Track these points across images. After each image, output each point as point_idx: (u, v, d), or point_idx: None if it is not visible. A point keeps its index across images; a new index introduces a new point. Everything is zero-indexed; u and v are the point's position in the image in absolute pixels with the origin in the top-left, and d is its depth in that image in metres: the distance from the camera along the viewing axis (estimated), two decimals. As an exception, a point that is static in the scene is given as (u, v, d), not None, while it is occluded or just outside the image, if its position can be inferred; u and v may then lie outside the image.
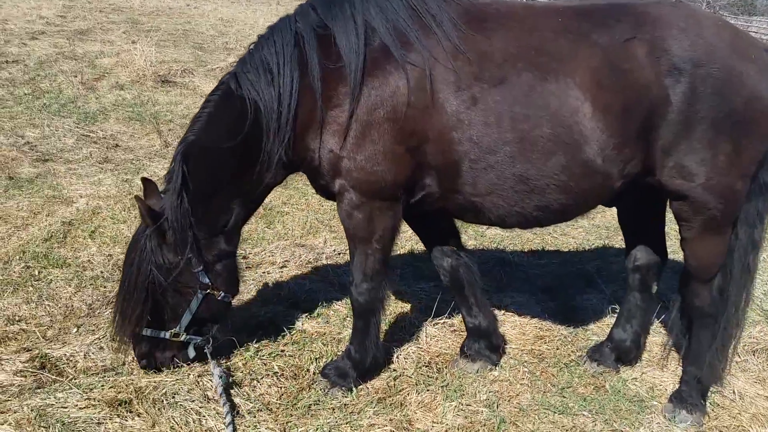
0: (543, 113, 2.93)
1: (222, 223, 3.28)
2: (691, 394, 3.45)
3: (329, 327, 3.98)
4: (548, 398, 3.49)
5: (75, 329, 3.69)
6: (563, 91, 2.93)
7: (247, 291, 4.35)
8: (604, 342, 3.91)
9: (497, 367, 3.72)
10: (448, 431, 3.16)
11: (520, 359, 3.84)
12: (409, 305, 4.33)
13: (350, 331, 3.52)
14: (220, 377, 3.21)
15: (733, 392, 3.69)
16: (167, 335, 3.29)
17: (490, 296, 4.35)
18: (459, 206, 3.25)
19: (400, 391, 3.43)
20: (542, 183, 3.04)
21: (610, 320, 4.30)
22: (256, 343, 3.72)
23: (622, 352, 3.84)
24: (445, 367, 3.68)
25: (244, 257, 4.80)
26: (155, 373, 3.34)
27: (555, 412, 3.38)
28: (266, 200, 5.67)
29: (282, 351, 3.68)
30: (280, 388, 3.39)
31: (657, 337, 4.17)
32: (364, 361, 3.42)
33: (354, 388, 3.40)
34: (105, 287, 4.18)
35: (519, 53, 3.00)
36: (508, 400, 3.45)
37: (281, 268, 4.74)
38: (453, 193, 3.17)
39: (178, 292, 3.26)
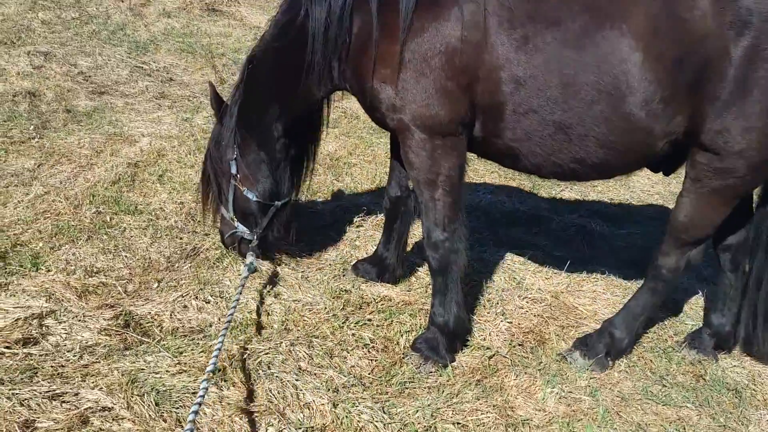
0: (591, 59, 2.80)
1: (258, 122, 3.39)
2: (596, 344, 3.40)
3: (414, 295, 3.80)
4: (649, 387, 3.32)
5: (156, 284, 3.55)
6: (616, 37, 2.77)
7: (324, 249, 4.19)
8: (703, 328, 3.70)
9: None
10: (552, 420, 3.01)
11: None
12: (491, 273, 4.13)
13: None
14: (248, 266, 3.47)
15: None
16: (226, 215, 3.62)
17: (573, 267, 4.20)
18: (497, 151, 3.16)
19: (496, 372, 3.27)
20: (580, 133, 2.91)
21: (702, 301, 4.10)
22: (342, 310, 3.56)
23: (722, 339, 3.65)
24: (539, 347, 3.51)
25: (315, 210, 4.63)
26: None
27: (658, 403, 3.22)
28: (331, 149, 5.63)
29: (369, 320, 3.52)
30: (372, 360, 3.25)
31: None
32: (448, 322, 3.27)
33: (449, 365, 3.25)
34: (181, 238, 4.02)
35: None
36: (609, 388, 3.28)
37: (357, 227, 4.54)
38: (493, 137, 3.07)
39: (221, 176, 3.57)
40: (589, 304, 3.95)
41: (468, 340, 3.45)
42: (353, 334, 3.38)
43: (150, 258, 3.79)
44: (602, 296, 4.04)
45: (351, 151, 5.79)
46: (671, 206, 3.51)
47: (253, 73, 3.33)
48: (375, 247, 4.06)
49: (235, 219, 3.60)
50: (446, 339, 3.27)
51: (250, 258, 3.53)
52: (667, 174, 3.44)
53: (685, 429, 3.08)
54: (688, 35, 2.74)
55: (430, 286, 3.41)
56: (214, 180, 3.63)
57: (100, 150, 4.97)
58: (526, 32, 2.85)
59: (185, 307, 3.40)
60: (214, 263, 3.84)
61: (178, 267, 3.74)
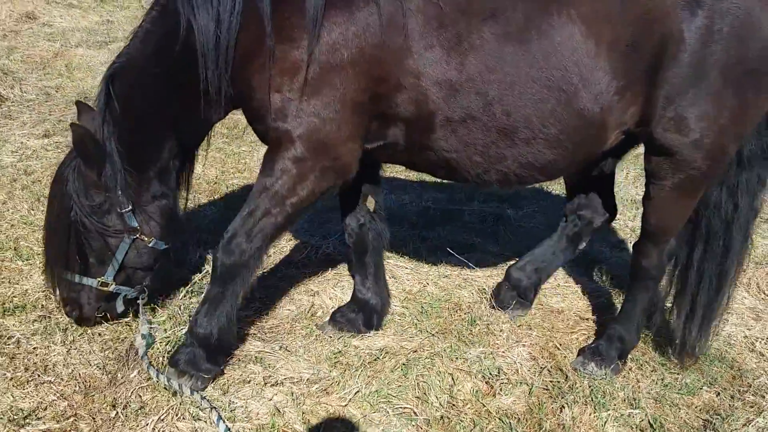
0: (537, 53, 2.56)
1: (154, 159, 2.89)
2: (608, 351, 3.28)
3: (413, 337, 3.35)
4: (663, 379, 3.34)
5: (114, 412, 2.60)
6: (564, 25, 2.56)
7: (275, 304, 3.49)
8: (502, 282, 3.68)
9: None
10: (623, 447, 2.87)
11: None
12: (458, 288, 3.82)
13: None
14: (144, 337, 2.97)
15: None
16: (94, 283, 2.94)
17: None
18: (429, 162, 2.89)
19: (546, 412, 3.00)
20: (527, 136, 2.70)
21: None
22: (353, 378, 2.99)
23: (521, 292, 3.61)
24: (556, 366, 3.32)
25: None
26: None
27: (682, 394, 3.24)
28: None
29: (389, 385, 3.00)
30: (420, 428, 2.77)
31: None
32: (211, 335, 2.84)
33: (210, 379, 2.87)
34: (101, 334, 3.02)
35: None
36: (640, 393, 3.22)
37: (300, 267, 3.87)
38: (423, 148, 2.79)
39: (105, 234, 2.91)
40: (563, 301, 3.86)
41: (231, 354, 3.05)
42: (384, 404, 2.85)
43: (80, 375, 2.77)
44: (570, 291, 3.98)
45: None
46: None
47: (130, 101, 2.75)
48: (337, 289, 3.50)
49: (114, 282, 2.97)
50: (207, 353, 2.84)
51: (144, 326, 3.00)
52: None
53: (716, 413, 3.15)
54: (642, 17, 2.59)
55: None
56: (83, 238, 2.91)
57: None
58: (458, 30, 2.54)
59: (175, 433, 2.55)
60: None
61: (124, 378, 2.79)
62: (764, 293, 4.17)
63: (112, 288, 2.98)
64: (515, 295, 3.60)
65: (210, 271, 3.08)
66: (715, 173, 2.95)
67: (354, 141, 2.69)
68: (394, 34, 2.51)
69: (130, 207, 2.88)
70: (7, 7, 8.46)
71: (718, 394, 3.28)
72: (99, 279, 2.94)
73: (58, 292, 3.00)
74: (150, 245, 2.98)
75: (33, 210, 3.99)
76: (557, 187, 5.48)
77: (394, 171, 5.36)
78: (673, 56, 2.61)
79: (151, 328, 3.08)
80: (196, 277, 3.61)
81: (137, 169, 2.85)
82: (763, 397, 3.27)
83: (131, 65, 2.72)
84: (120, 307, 3.08)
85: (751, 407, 3.14)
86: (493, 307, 3.60)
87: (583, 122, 2.68)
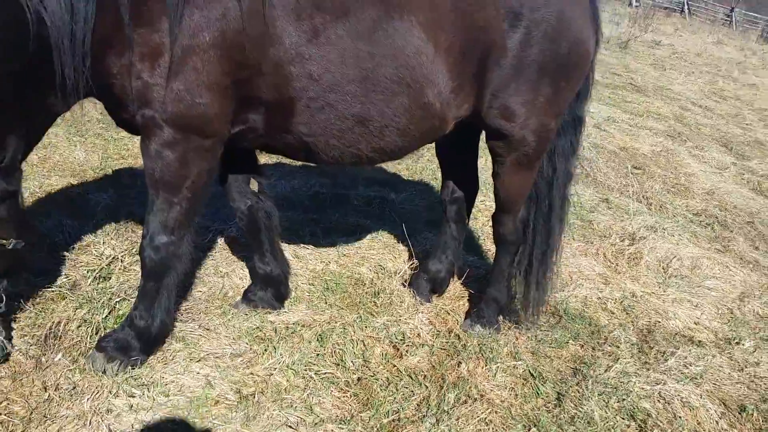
0: (387, 52, 2.81)
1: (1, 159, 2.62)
2: (488, 313, 3.77)
3: (320, 309, 3.62)
4: (537, 335, 3.90)
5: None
6: (408, 29, 2.81)
7: (189, 286, 3.60)
8: (419, 274, 4.03)
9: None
10: (517, 388, 3.35)
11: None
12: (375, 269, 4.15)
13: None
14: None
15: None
16: None
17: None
18: (288, 145, 3.03)
19: (446, 366, 3.42)
20: (382, 124, 2.96)
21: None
22: (273, 354, 3.20)
23: (437, 283, 4.03)
24: (455, 329, 3.76)
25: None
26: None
27: (554, 347, 3.81)
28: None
29: (315, 357, 3.26)
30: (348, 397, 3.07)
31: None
32: (149, 327, 3.00)
33: (138, 365, 2.97)
34: None
35: None
36: (521, 348, 3.75)
37: (204, 250, 3.97)
38: (282, 132, 2.94)
39: None
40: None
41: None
42: (307, 371, 3.11)
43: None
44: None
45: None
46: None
47: None
48: (246, 270, 3.67)
49: None
50: (142, 343, 3.01)
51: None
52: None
53: (582, 362, 3.76)
54: (471, 26, 2.91)
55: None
56: None
57: None
58: (314, 24, 2.69)
59: None
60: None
61: (49, 361, 2.80)
62: (610, 261, 4.91)
63: None
64: (430, 283, 3.94)
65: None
66: (544, 147, 3.37)
67: (220, 123, 2.74)
68: (254, 21, 2.59)
69: None
70: None
71: (582, 346, 3.88)
72: None
73: None
74: (9, 248, 2.74)
75: None
76: (428, 174, 6.00)
77: (279, 158, 5.54)
78: (497, 62, 2.99)
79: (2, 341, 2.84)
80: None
81: None
82: (617, 347, 3.90)
83: None
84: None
85: (609, 356, 3.75)
86: (414, 296, 3.89)
87: (428, 114, 3.00)
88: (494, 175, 3.48)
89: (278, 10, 2.61)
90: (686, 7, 38.07)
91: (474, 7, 2.89)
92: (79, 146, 5.05)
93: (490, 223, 3.76)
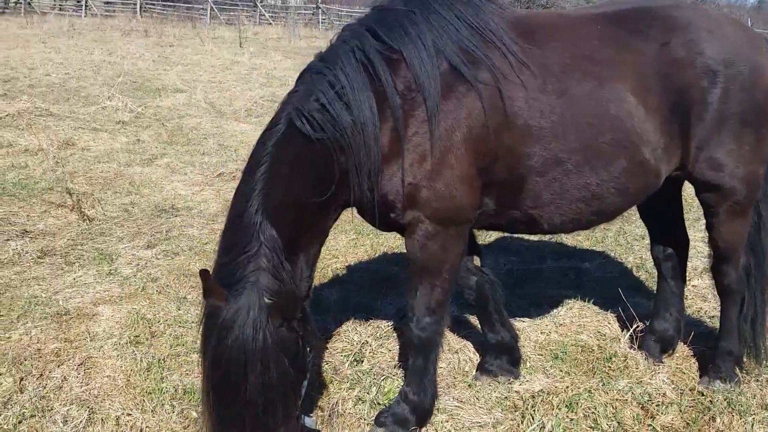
0: (604, 120, 3.10)
1: (306, 277, 2.95)
2: (725, 367, 3.75)
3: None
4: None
5: None
6: (618, 96, 3.11)
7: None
8: (647, 335, 4.06)
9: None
10: None
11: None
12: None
13: None
14: None
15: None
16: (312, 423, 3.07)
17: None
18: (513, 220, 3.28)
19: (698, 421, 3.43)
20: (603, 188, 3.19)
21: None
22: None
23: (666, 342, 4.05)
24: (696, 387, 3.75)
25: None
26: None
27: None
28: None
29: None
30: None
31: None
32: (423, 402, 3.26)
33: None
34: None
35: (573, 63, 3.14)
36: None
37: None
38: (510, 209, 3.22)
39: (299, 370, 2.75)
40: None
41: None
42: None
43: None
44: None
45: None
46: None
47: (291, 235, 2.80)
48: (477, 346, 3.89)
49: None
50: (417, 417, 3.25)
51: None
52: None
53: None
54: (673, 88, 3.20)
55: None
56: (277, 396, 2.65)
57: None
58: (540, 106, 3.02)
59: None
60: None
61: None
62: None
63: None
64: (659, 343, 4.01)
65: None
66: (755, 194, 3.54)
67: (469, 211, 3.09)
68: (494, 113, 2.96)
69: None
70: (46, 135, 8.97)
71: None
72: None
73: None
74: (309, 358, 2.89)
75: (181, 309, 4.37)
76: (610, 242, 6.10)
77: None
78: (699, 116, 3.25)
79: None
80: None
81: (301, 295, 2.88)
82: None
83: (281, 203, 2.76)
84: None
85: None
86: (646, 358, 3.94)
87: (644, 171, 3.23)
88: (708, 226, 3.62)
89: (511, 99, 2.97)
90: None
91: (675, 70, 3.20)
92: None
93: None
